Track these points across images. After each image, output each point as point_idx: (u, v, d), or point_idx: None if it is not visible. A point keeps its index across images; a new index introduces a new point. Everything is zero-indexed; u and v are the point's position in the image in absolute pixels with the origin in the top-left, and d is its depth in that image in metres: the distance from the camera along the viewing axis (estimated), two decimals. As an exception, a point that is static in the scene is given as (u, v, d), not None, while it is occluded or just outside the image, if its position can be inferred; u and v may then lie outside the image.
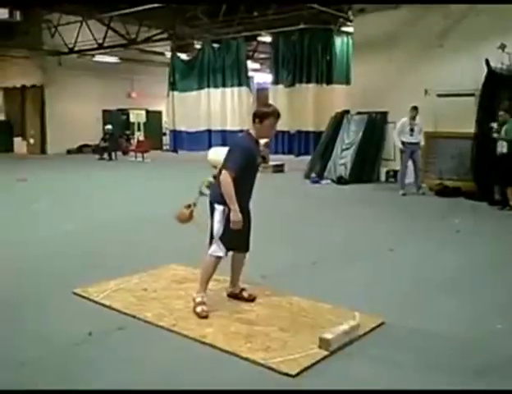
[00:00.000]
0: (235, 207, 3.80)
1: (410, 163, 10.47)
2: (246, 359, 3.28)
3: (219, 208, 3.93)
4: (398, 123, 10.54)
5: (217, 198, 3.93)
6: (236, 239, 3.99)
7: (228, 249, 4.00)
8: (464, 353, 3.46)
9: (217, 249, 3.95)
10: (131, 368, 3.25)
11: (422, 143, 10.50)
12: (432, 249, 6.24)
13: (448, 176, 10.86)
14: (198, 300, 4.00)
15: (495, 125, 9.03)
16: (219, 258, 3.99)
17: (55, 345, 3.53)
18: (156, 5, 14.33)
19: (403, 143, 10.37)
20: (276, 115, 4.00)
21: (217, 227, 3.94)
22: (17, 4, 14.92)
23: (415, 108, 10.31)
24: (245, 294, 4.30)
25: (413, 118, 10.30)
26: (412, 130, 10.29)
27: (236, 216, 3.81)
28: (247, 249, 4.22)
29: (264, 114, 3.95)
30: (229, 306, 4.17)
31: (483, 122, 10.01)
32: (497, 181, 9.13)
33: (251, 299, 4.27)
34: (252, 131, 4.03)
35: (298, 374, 3.10)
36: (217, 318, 3.92)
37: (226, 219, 3.88)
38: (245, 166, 3.89)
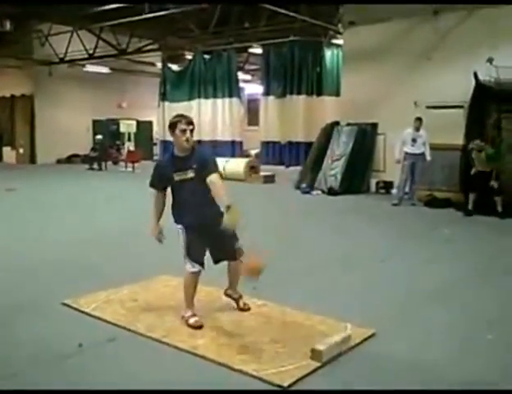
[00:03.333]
0: (151, 221, 4.04)
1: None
2: (238, 370, 3.27)
3: (177, 227, 4.00)
4: (401, 133, 10.48)
5: (174, 218, 4.05)
6: (202, 251, 3.96)
7: (200, 263, 3.95)
8: (456, 364, 3.47)
9: (189, 266, 3.94)
10: (122, 379, 3.22)
11: (429, 157, 10.31)
12: (423, 259, 6.26)
13: (437, 187, 10.93)
14: (188, 314, 3.99)
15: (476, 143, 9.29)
16: (194, 273, 3.95)
17: (45, 357, 3.49)
18: (147, 16, 14.39)
19: (406, 153, 10.38)
20: (184, 120, 3.85)
21: (182, 246, 3.97)
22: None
23: (419, 119, 10.32)
24: (241, 303, 4.28)
25: (416, 129, 10.32)
26: (414, 140, 10.29)
27: (149, 228, 4.06)
28: (230, 258, 4.13)
29: (172, 124, 3.88)
30: (221, 317, 4.16)
31: (471, 134, 10.13)
32: (474, 190, 9.27)
33: (245, 309, 4.25)
34: (174, 147, 3.98)
35: (290, 386, 3.09)
36: (209, 329, 3.90)
37: (185, 236, 3.94)
38: (163, 182, 3.99)
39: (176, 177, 3.90)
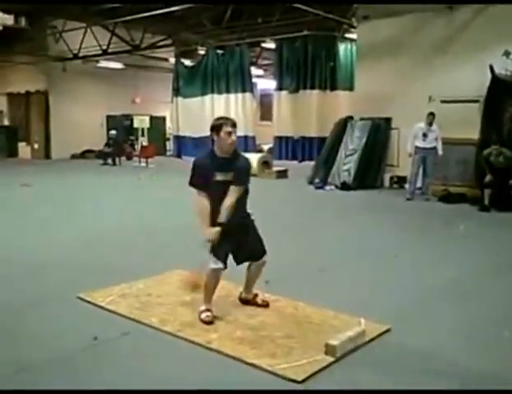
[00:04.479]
0: (199, 223, 3.90)
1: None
2: (252, 364, 3.27)
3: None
4: (413, 128, 10.49)
5: None
6: (226, 250, 3.93)
7: (223, 261, 3.93)
8: (471, 360, 3.44)
9: (212, 263, 3.90)
10: (136, 374, 3.23)
11: (441, 152, 10.26)
12: (437, 255, 6.21)
13: (452, 182, 10.85)
14: (203, 308, 4.00)
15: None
16: (216, 270, 3.92)
17: (60, 351, 3.53)
18: (160, 11, 14.41)
19: (416, 147, 10.38)
20: (229, 123, 3.89)
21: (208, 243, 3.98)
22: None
23: (431, 114, 10.29)
24: (259, 300, 4.27)
25: (429, 124, 10.29)
26: (425, 135, 10.28)
27: (202, 232, 3.86)
28: (254, 258, 4.12)
29: (218, 126, 3.88)
30: (234, 312, 4.16)
31: (487, 129, 10.03)
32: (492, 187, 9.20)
33: (265, 304, 4.25)
34: (215, 147, 3.94)
35: (304, 380, 3.09)
36: (223, 324, 3.91)
37: None
38: (204, 179, 3.88)
39: (218, 177, 3.86)
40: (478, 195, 9.54)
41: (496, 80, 10.09)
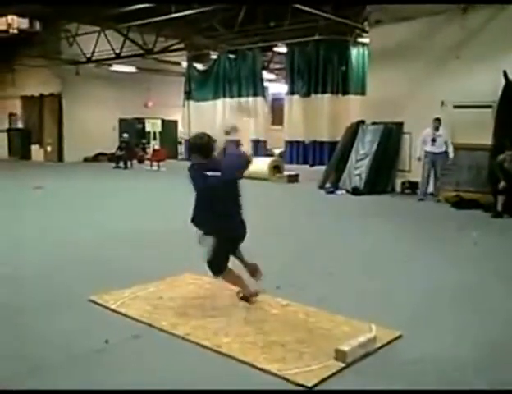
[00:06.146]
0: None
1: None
2: (262, 369, 3.27)
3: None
4: (421, 133, 10.90)
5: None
6: (228, 257, 4.19)
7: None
8: (481, 370, 3.41)
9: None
10: (146, 377, 3.24)
11: (452, 154, 10.64)
12: (449, 261, 6.16)
13: (465, 187, 10.78)
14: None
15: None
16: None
17: (71, 353, 3.55)
18: (173, 15, 14.50)
19: (426, 151, 10.80)
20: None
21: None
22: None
23: (437, 120, 10.67)
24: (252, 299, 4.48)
25: (435, 129, 10.66)
26: (434, 140, 10.70)
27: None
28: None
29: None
30: (245, 316, 4.16)
31: (501, 134, 9.95)
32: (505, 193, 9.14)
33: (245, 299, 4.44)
34: None
35: (314, 386, 3.08)
36: (233, 328, 3.91)
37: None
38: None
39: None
40: (491, 201, 9.46)
41: (510, 86, 10.01)
